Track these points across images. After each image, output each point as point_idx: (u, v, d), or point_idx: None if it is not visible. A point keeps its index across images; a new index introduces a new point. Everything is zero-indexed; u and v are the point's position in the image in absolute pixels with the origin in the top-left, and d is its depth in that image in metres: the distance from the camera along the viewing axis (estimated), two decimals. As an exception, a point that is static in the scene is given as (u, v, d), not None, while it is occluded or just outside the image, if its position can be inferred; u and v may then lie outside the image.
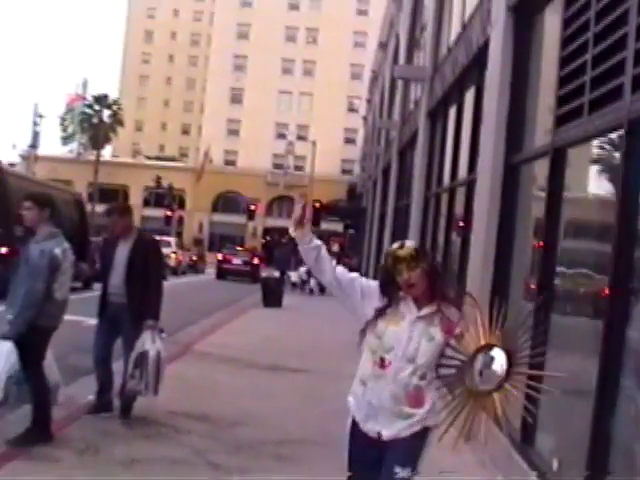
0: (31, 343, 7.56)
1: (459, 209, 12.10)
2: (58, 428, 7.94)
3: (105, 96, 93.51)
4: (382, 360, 4.54)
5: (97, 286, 10.63)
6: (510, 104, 8.85)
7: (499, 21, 9.24)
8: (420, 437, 4.56)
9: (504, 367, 4.26)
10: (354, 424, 4.68)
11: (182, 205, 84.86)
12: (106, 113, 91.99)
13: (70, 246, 8.06)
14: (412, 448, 4.56)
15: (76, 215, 26.66)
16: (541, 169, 7.69)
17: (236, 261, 47.59)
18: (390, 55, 31.85)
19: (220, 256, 48.67)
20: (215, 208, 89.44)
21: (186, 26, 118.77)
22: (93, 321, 9.75)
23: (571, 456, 6.02)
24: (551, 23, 7.86)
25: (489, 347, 4.28)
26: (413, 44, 22.69)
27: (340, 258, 41.30)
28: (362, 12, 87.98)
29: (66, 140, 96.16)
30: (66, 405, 8.46)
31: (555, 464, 6.18)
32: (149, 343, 8.72)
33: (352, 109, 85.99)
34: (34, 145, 77.65)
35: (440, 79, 15.06)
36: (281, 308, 26.66)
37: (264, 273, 37.02)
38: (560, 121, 6.89)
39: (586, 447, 5.47)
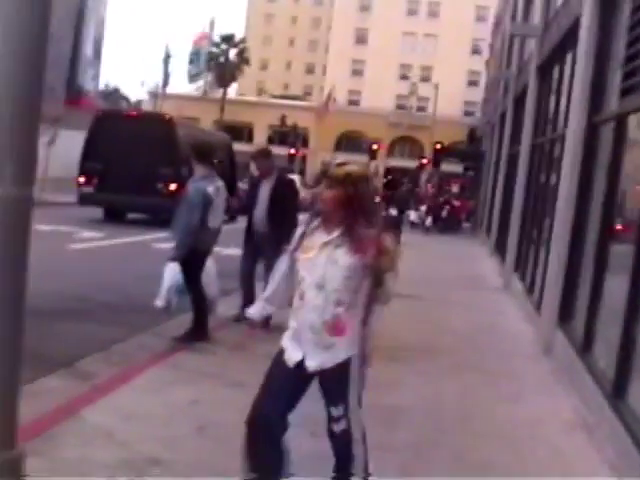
0: (191, 263, 9.66)
1: (556, 158, 13.66)
2: (213, 331, 10.05)
3: (232, 36, 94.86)
4: (301, 291, 4.73)
5: (239, 219, 12.70)
6: (593, 73, 10.45)
7: (587, 2, 10.79)
8: (344, 368, 4.74)
9: None
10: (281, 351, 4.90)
11: (305, 144, 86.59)
12: (232, 52, 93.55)
13: (223, 184, 10.15)
14: (339, 383, 4.77)
15: (227, 157, 29.92)
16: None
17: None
18: (511, 3, 32.92)
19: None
20: (338, 147, 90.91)
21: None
22: (229, 251, 11.71)
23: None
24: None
25: None
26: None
27: (445, 202, 42.73)
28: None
29: (193, 78, 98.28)
30: (220, 315, 10.60)
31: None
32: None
33: (476, 51, 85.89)
34: (165, 83, 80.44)
35: (548, 38, 16.48)
36: (399, 245, 28.38)
37: (384, 212, 38.77)
38: (625, 92, 8.51)
39: None
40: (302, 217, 4.95)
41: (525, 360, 10.72)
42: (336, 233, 4.66)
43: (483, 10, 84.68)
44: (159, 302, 9.57)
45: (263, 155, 11.51)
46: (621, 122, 8.75)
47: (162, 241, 17.38)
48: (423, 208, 41.82)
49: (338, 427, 4.81)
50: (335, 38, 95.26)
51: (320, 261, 4.65)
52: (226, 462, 5.48)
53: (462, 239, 37.22)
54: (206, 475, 5.54)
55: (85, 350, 8.73)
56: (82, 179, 26.32)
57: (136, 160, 24.51)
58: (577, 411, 8.05)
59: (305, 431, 5.97)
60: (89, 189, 25.91)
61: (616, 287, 7.90)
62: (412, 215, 40.16)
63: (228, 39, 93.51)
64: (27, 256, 4.18)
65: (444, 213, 41.01)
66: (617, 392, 7.13)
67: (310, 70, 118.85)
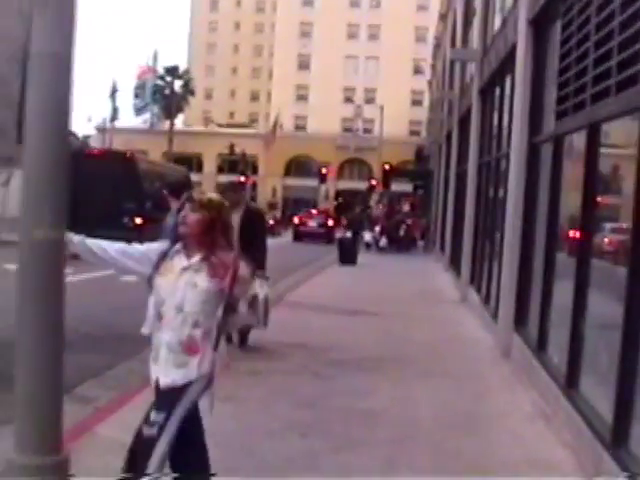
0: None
1: (502, 176, 14.62)
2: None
3: (176, 67, 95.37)
4: (159, 313, 4.93)
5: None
6: (531, 97, 11.44)
7: (522, 30, 11.77)
8: (187, 385, 4.90)
9: None
10: None
11: (255, 171, 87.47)
12: (177, 84, 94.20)
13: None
14: (173, 396, 4.89)
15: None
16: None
17: (312, 224, 50.35)
18: (449, 27, 34.13)
19: (296, 219, 51.45)
20: (287, 172, 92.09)
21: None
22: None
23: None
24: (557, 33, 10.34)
25: None
26: (468, 23, 25.05)
27: (400, 221, 43.63)
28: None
29: (139, 111, 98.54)
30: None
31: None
32: (258, 287, 11.49)
33: (418, 71, 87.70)
34: (114, 118, 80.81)
35: (487, 62, 17.51)
36: (356, 265, 29.32)
37: (338, 234, 39.65)
38: (559, 115, 9.45)
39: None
40: (161, 242, 5.28)
41: (486, 363, 11.63)
42: (197, 257, 4.90)
43: (422, 31, 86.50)
44: (145, 330, 10.30)
45: (232, 189, 12.41)
46: (558, 142, 9.72)
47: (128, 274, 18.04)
48: (377, 229, 42.66)
49: (148, 431, 4.94)
50: (278, 65, 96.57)
51: (180, 284, 4.85)
52: (228, 462, 6.34)
53: (417, 257, 38.24)
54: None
55: (81, 377, 9.37)
56: None
57: (101, 197, 25.34)
58: (536, 404, 8.93)
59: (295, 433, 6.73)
60: None
61: (563, 291, 8.80)
62: (366, 236, 40.91)
63: (172, 71, 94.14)
64: (63, 288, 5.01)
65: (401, 232, 41.79)
66: (570, 383, 8.01)
67: (255, 97, 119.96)
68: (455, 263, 23.69)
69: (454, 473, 6.57)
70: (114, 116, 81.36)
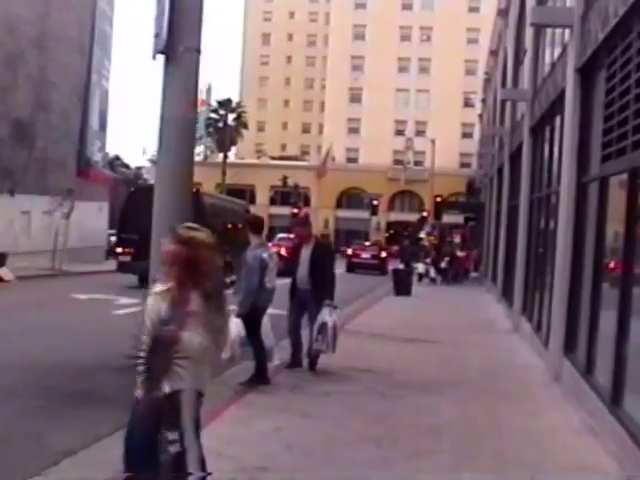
0: (252, 318, 11.48)
1: (552, 211, 15.54)
2: (272, 375, 11.83)
3: (229, 100, 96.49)
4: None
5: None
6: (579, 139, 12.40)
7: (570, 77, 12.75)
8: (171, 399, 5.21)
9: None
10: None
11: (307, 202, 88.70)
12: (230, 116, 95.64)
13: (274, 251, 12.06)
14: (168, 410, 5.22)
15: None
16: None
17: (365, 255, 51.29)
18: (500, 64, 35.08)
19: (350, 251, 52.40)
20: (339, 204, 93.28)
21: (302, 27, 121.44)
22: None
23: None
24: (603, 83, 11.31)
25: None
26: (518, 61, 26.03)
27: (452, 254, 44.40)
28: (473, 9, 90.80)
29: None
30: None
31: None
32: (327, 316, 12.50)
33: (468, 104, 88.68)
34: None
35: (538, 103, 18.46)
36: (410, 296, 30.24)
37: (391, 266, 40.56)
38: (604, 158, 10.41)
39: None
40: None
41: (538, 386, 12.55)
42: (167, 286, 5.25)
43: (472, 63, 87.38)
44: (224, 354, 11.36)
45: (300, 224, 13.55)
46: (603, 183, 10.68)
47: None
48: (428, 260, 43.50)
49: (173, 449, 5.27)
50: (330, 98, 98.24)
51: (152, 309, 5.28)
52: (313, 468, 7.41)
53: (469, 288, 39.09)
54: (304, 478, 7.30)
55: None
56: (120, 249, 28.65)
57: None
58: (584, 421, 9.83)
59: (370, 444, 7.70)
60: (126, 258, 28.16)
61: (608, 319, 9.72)
62: (420, 267, 41.71)
63: (225, 104, 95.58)
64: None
65: (443, 264, 42.52)
66: (615, 401, 8.92)
67: (306, 129, 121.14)
68: (507, 294, 24.52)
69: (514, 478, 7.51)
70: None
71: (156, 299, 5.30)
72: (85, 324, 18.23)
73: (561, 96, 14.10)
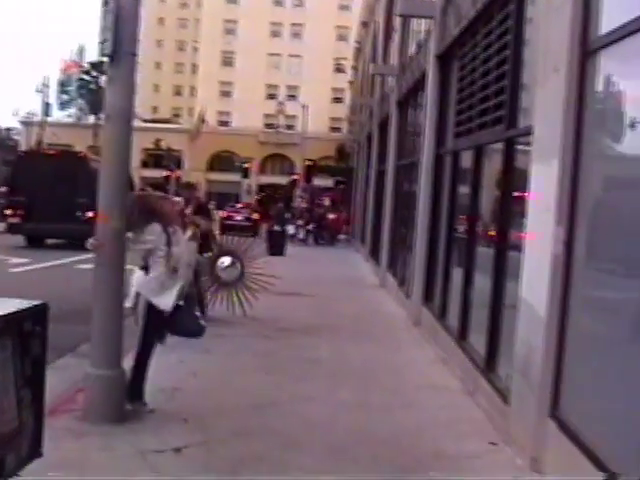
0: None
1: (415, 178, 17.52)
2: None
3: (101, 62, 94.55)
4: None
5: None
6: (437, 116, 14.34)
7: (430, 62, 14.67)
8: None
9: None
10: None
11: (179, 165, 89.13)
12: (103, 78, 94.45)
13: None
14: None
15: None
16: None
17: (238, 217, 52.75)
18: (370, 36, 36.98)
19: (224, 213, 53.70)
20: (211, 167, 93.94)
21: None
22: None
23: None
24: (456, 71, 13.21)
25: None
26: (388, 36, 27.84)
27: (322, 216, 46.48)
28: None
29: (64, 105, 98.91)
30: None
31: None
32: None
33: (339, 70, 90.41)
34: (47, 113, 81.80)
35: (405, 79, 20.42)
36: (284, 257, 31.93)
37: (264, 227, 42.14)
38: (456, 135, 12.35)
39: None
40: None
41: (402, 330, 14.59)
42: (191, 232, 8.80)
43: (343, 30, 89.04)
44: (127, 303, 12.85)
45: (187, 187, 15.29)
46: (455, 155, 12.67)
47: (83, 262, 20.30)
48: (300, 222, 45.26)
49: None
50: (203, 61, 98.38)
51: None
52: (215, 392, 9.12)
53: (339, 249, 41.23)
54: (210, 395, 8.99)
55: (79, 340, 11.72)
56: (9, 211, 29.54)
57: (56, 192, 28.02)
58: (438, 354, 11.85)
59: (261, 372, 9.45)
60: (16, 220, 29.16)
61: (458, 272, 11.72)
62: (290, 229, 43.30)
63: (98, 66, 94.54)
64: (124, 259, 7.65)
65: (310, 227, 44.39)
66: (462, 337, 10.92)
67: (178, 92, 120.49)
68: (375, 253, 26.54)
69: (372, 400, 9.38)
70: (47, 111, 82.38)
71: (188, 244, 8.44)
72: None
73: (423, 76, 16.00)
